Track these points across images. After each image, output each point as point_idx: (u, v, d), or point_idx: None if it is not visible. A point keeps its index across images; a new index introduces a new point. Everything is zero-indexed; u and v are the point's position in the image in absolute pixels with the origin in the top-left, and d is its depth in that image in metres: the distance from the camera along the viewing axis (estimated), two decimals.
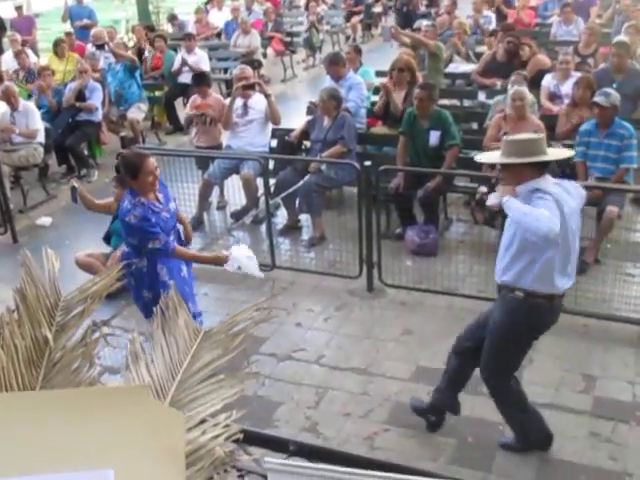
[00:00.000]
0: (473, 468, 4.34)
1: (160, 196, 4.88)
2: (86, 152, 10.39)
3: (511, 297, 4.16)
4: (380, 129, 8.52)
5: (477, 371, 5.21)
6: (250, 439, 2.23)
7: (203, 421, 1.73)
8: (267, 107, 8.03)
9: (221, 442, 1.67)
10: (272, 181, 7.65)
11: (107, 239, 7.02)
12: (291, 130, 8.28)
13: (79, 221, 8.05)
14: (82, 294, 2.08)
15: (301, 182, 7.38)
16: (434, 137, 7.20)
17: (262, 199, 7.67)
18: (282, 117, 8.23)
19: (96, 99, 10.13)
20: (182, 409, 1.75)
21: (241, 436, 1.75)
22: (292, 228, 7.88)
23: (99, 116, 10.25)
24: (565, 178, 6.80)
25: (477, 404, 4.92)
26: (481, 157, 4.55)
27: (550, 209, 3.80)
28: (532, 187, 3.97)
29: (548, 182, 4.02)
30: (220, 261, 4.95)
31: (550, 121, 7.58)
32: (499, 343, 4.28)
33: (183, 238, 5.24)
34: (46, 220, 8.58)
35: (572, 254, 4.11)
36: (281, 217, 8.14)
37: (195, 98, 8.73)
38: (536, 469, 4.37)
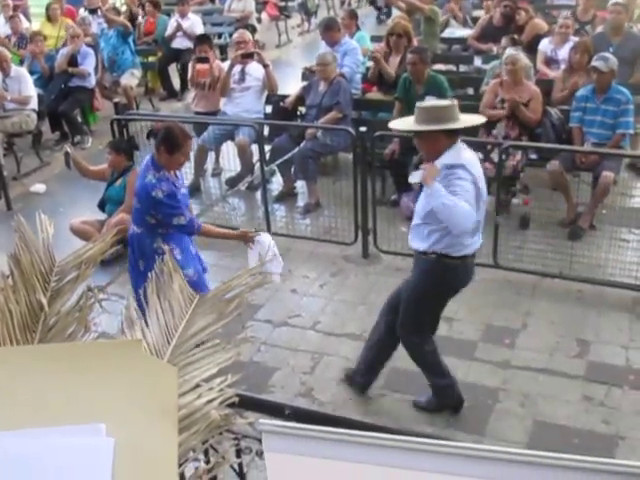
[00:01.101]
0: (467, 432, 4.39)
1: (178, 174, 4.83)
2: (80, 119, 10.32)
3: (424, 259, 4.27)
4: (375, 95, 8.46)
5: (469, 336, 5.25)
6: (245, 404, 2.24)
7: (198, 385, 1.73)
8: (265, 75, 7.98)
9: (216, 406, 1.68)
10: (267, 147, 7.63)
11: (102, 206, 7.00)
12: (286, 96, 8.22)
13: (73, 188, 8.02)
14: (76, 259, 2.07)
15: (296, 149, 7.35)
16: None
17: (257, 166, 7.65)
18: (278, 85, 8.19)
19: (89, 65, 10.04)
20: (177, 373, 1.76)
21: (236, 400, 1.75)
22: (287, 195, 7.86)
23: (92, 82, 10.16)
24: (561, 144, 6.85)
25: (472, 369, 4.96)
26: (393, 124, 4.58)
27: (467, 192, 3.90)
28: (449, 162, 4.02)
29: (461, 149, 4.10)
30: (245, 238, 4.94)
31: (546, 86, 7.53)
32: (415, 300, 4.39)
33: None
34: (40, 187, 8.55)
35: (482, 216, 4.24)
36: (276, 184, 8.11)
37: (192, 63, 8.59)
38: (529, 433, 4.41)
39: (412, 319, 4.42)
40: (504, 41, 8.22)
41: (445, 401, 4.60)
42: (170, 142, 4.53)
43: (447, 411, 4.61)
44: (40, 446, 0.78)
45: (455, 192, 3.89)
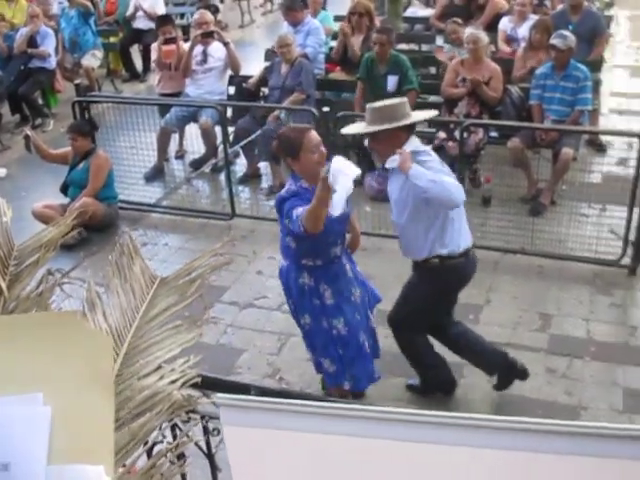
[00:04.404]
0: (433, 406, 4.44)
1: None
2: (40, 101, 10.19)
3: (428, 266, 4.15)
4: (338, 75, 8.47)
5: None
6: (212, 385, 2.26)
7: (160, 366, 1.75)
8: (226, 55, 7.94)
9: (179, 387, 1.70)
10: (231, 129, 7.60)
11: (64, 190, 6.94)
12: (249, 77, 8.18)
13: (35, 172, 7.92)
14: (36, 243, 2.06)
15: (260, 130, 7.33)
16: (391, 82, 7.18)
17: (221, 147, 7.62)
18: (240, 64, 8.15)
19: (48, 45, 9.90)
20: (139, 355, 1.77)
21: (199, 380, 1.77)
22: (252, 176, 7.85)
23: (53, 63, 10.03)
24: (522, 121, 6.92)
25: (437, 345, 5.01)
26: (346, 129, 4.45)
27: (439, 171, 3.87)
28: (413, 149, 3.97)
29: (418, 142, 4.08)
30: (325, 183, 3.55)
31: (507, 64, 7.59)
32: (417, 302, 4.30)
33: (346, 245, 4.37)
34: (1, 171, 8.43)
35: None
36: (240, 165, 8.10)
37: (157, 45, 8.47)
38: (495, 405, 4.49)
39: (407, 317, 4.35)
40: (450, 26, 8.28)
41: (435, 385, 4.61)
42: (287, 147, 3.91)
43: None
44: None
45: (429, 168, 3.86)
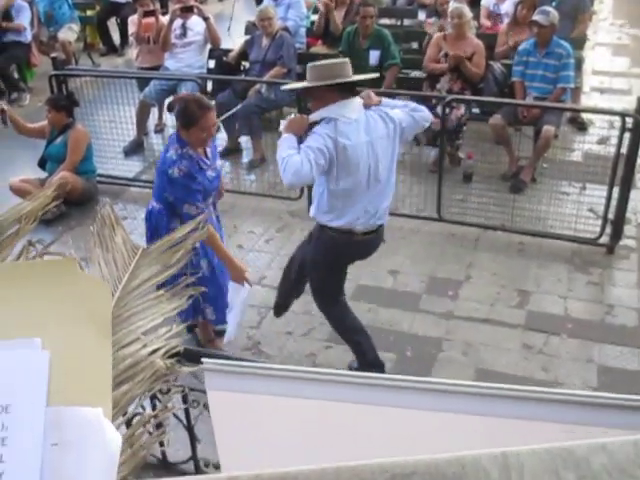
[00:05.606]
0: None
1: (208, 151, 4.30)
2: (16, 75, 10.05)
3: (315, 229, 4.29)
4: (320, 49, 8.42)
5: (414, 288, 5.34)
6: (191, 357, 2.26)
7: (142, 336, 1.73)
8: (206, 29, 7.87)
9: (161, 355, 1.69)
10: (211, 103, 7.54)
11: (42, 164, 6.88)
12: (229, 51, 8.12)
13: (12, 146, 7.81)
14: (15, 215, 2.03)
15: (240, 104, 7.28)
16: (373, 57, 7.16)
17: None
18: (220, 37, 8.08)
19: (24, 19, 9.75)
20: (121, 324, 1.76)
21: (181, 349, 1.76)
22: (232, 150, 7.81)
23: (28, 37, 9.88)
24: (504, 98, 6.93)
25: (416, 320, 5.05)
26: (287, 86, 4.65)
27: (313, 151, 3.76)
28: (324, 115, 3.89)
29: (348, 105, 3.89)
30: (237, 272, 4.31)
31: (489, 40, 7.58)
32: (314, 270, 4.42)
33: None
34: None
35: (369, 193, 4.03)
36: (220, 139, 8.03)
37: (137, 18, 8.34)
38: (471, 380, 4.51)
39: (317, 291, 4.46)
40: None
41: (369, 358, 4.55)
42: (184, 116, 4.05)
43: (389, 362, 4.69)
44: None
45: (304, 147, 3.83)
